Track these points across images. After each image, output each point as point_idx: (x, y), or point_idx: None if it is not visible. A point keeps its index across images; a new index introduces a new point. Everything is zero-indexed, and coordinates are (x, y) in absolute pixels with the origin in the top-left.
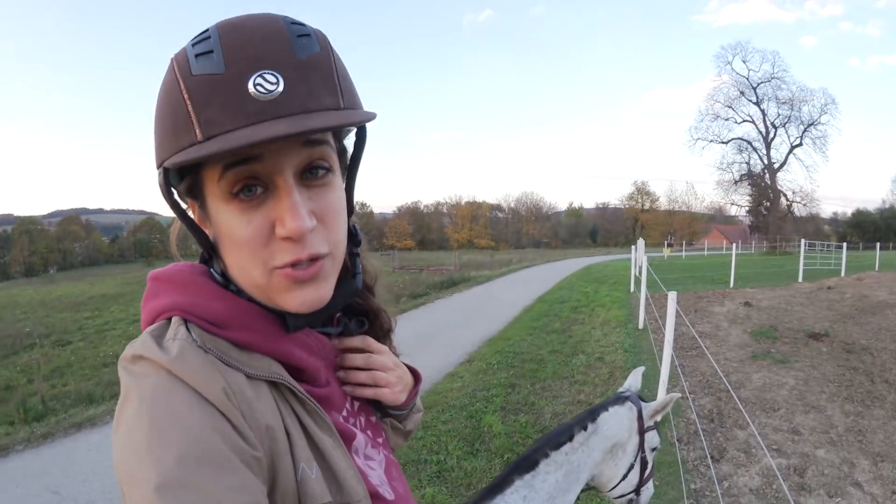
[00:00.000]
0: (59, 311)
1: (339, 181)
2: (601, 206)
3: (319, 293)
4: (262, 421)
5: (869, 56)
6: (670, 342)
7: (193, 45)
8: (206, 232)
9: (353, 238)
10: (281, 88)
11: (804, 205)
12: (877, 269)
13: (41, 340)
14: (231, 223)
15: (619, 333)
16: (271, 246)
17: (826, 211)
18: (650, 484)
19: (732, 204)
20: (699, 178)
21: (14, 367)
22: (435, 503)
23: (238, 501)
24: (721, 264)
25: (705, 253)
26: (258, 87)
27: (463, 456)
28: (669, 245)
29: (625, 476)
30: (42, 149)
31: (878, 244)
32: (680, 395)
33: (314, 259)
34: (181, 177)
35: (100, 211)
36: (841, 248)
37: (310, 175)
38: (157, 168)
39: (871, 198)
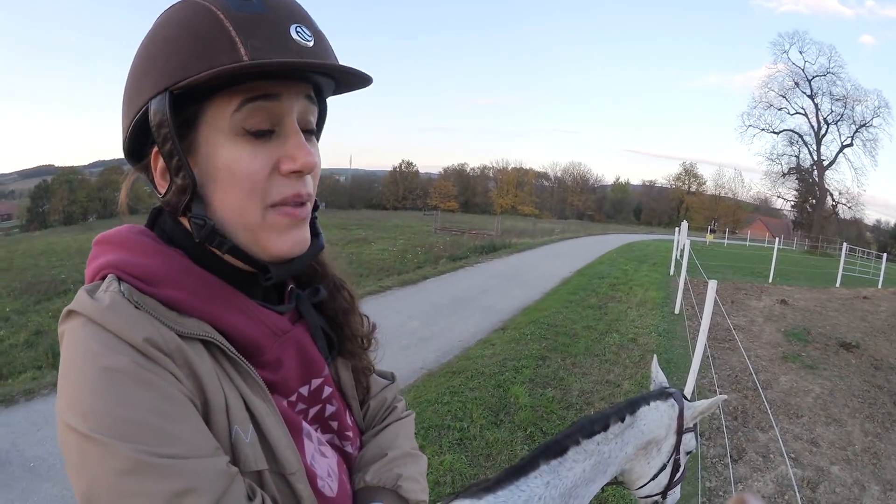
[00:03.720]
0: None
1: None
2: (648, 183)
3: (306, 235)
4: (198, 374)
5: None
6: (705, 331)
7: None
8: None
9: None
10: (312, 42)
11: (849, 207)
12: None
13: (75, 287)
14: (236, 157)
15: (655, 316)
16: (271, 182)
17: (869, 217)
18: (678, 488)
19: (779, 197)
20: (747, 167)
21: (46, 313)
22: (454, 470)
23: (167, 407)
24: (762, 257)
25: (747, 243)
26: (299, 34)
27: (486, 426)
28: (713, 231)
29: (655, 476)
30: (85, 97)
31: None
32: (726, 397)
33: (305, 201)
34: (177, 109)
35: None
36: (881, 258)
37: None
38: (160, 92)
39: None
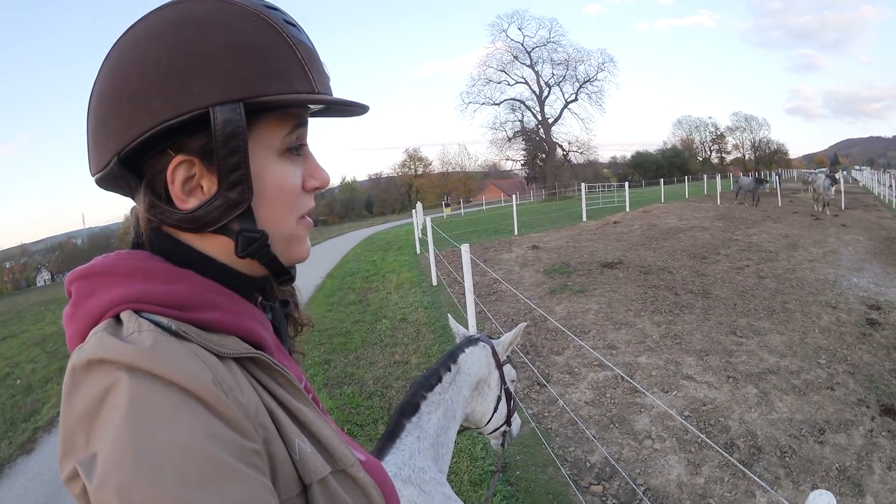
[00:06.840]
0: None
1: None
2: (374, 177)
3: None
4: (251, 406)
5: (658, 20)
6: (471, 290)
7: (271, 8)
8: None
9: None
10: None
11: (581, 153)
12: (662, 201)
13: None
14: (284, 174)
15: (416, 293)
16: (301, 196)
17: (605, 156)
18: (516, 416)
19: (507, 159)
20: (472, 140)
21: None
22: None
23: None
24: (502, 215)
25: (484, 208)
26: (326, 69)
27: None
28: (447, 205)
29: (496, 408)
30: None
31: (661, 180)
32: (527, 323)
33: None
34: None
35: None
36: (623, 187)
37: None
38: (228, 102)
39: (653, 141)
